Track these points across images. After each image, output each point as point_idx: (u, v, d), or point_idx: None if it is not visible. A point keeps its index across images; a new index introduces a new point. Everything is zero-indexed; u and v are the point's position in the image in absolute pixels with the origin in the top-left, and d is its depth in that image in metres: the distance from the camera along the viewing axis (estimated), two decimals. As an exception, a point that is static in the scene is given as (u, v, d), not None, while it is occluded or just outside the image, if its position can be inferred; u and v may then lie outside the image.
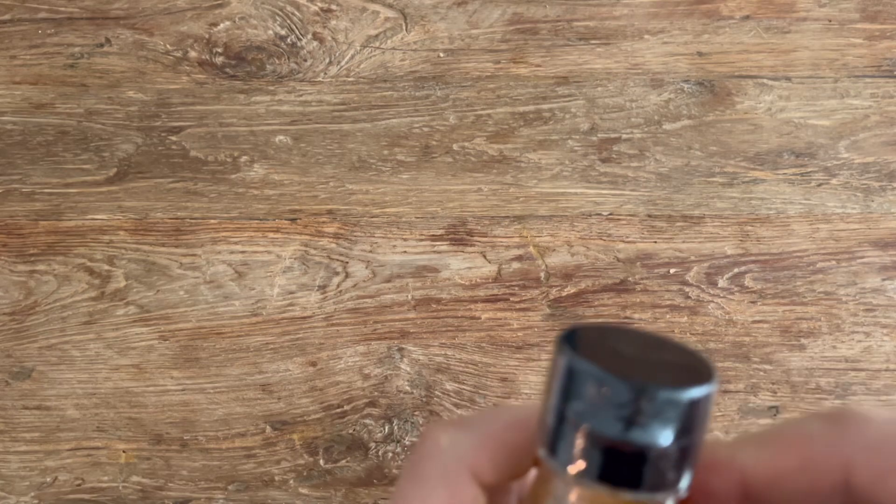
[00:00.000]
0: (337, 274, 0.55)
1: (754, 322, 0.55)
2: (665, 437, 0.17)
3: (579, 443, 0.17)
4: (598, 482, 0.17)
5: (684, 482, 0.17)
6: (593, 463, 0.17)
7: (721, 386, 0.54)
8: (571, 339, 0.18)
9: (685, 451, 0.17)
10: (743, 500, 0.18)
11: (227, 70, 0.58)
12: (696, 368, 0.18)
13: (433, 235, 0.55)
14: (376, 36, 0.58)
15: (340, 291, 0.55)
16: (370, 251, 0.55)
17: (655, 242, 0.55)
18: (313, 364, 0.55)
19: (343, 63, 0.58)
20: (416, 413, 0.55)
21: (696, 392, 0.17)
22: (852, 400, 0.54)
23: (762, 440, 0.18)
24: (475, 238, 0.55)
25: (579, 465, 0.17)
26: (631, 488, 0.17)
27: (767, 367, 0.55)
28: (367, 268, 0.55)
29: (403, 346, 0.55)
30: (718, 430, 0.55)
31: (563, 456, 0.17)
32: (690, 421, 0.17)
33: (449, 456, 0.18)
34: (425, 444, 0.19)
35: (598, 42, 0.58)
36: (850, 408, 0.18)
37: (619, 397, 0.17)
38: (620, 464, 0.17)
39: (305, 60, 0.58)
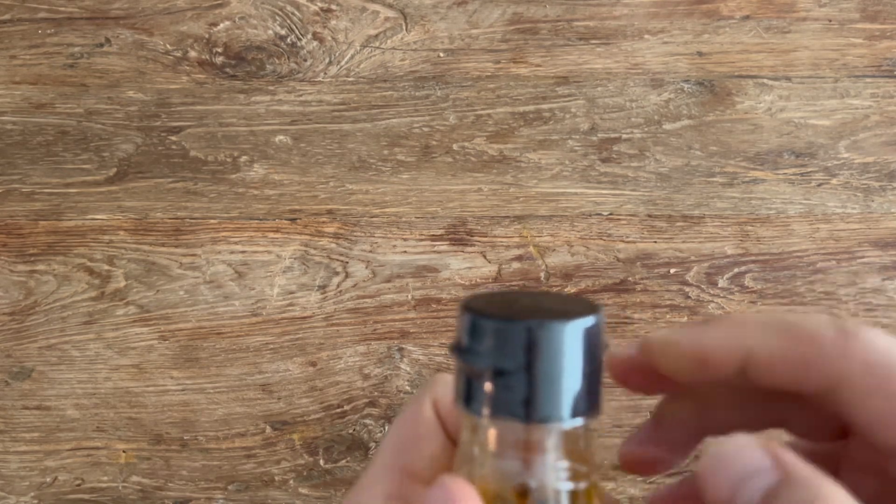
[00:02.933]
0: (337, 274, 0.55)
1: (754, 322, 0.55)
2: (531, 364, 0.18)
3: (474, 385, 0.19)
4: (495, 416, 0.19)
5: (578, 409, 0.19)
6: (487, 399, 0.19)
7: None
8: (469, 301, 0.20)
9: (553, 376, 0.18)
10: (740, 373, 0.20)
11: (227, 70, 0.58)
12: (575, 311, 0.19)
13: (433, 235, 0.55)
14: (376, 36, 0.58)
15: (340, 291, 0.55)
16: (370, 251, 0.55)
17: (655, 242, 0.55)
18: (313, 364, 0.55)
19: (343, 63, 0.58)
20: (416, 413, 0.55)
21: (549, 323, 0.18)
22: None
23: (773, 329, 0.20)
24: (475, 238, 0.55)
25: (482, 406, 0.19)
26: (521, 417, 0.18)
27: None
28: (367, 268, 0.55)
29: (403, 345, 0.55)
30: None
31: (473, 403, 0.19)
32: (551, 349, 0.18)
33: (421, 394, 0.22)
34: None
35: (598, 42, 0.58)
36: (861, 327, 0.20)
37: (491, 336, 0.18)
38: (505, 393, 0.18)
39: (305, 60, 0.58)
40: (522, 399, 0.18)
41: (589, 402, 0.19)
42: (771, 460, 0.18)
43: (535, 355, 0.18)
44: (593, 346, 0.19)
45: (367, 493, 0.21)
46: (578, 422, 0.19)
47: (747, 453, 0.19)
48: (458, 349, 0.19)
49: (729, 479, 0.18)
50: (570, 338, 0.18)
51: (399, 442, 0.21)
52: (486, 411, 0.19)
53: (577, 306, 0.20)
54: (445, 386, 0.22)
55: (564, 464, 0.19)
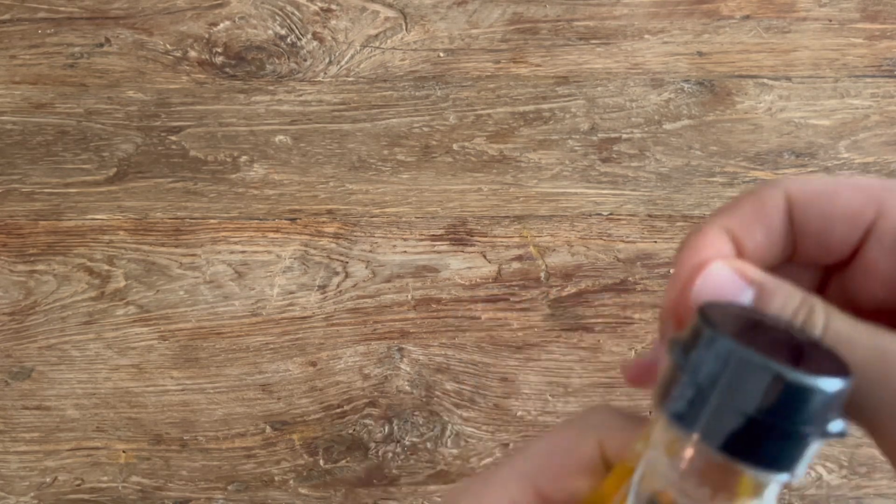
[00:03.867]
0: (337, 274, 0.55)
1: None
2: (796, 420, 0.17)
3: (712, 410, 0.17)
4: (719, 451, 0.17)
5: (800, 469, 0.17)
6: (720, 431, 0.17)
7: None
8: (712, 319, 0.18)
9: (806, 436, 0.17)
10: (786, 214, 0.21)
11: (227, 70, 0.58)
12: (830, 358, 0.18)
13: (433, 235, 0.55)
14: (376, 36, 0.58)
15: (340, 291, 0.55)
16: (370, 251, 0.55)
17: (656, 242, 0.55)
18: (313, 364, 0.55)
19: (343, 63, 0.58)
20: (415, 413, 0.55)
21: (834, 384, 0.17)
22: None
23: (731, 205, 0.21)
24: (475, 238, 0.55)
25: (705, 431, 0.17)
26: (750, 461, 0.17)
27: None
28: (366, 268, 0.55)
29: (403, 346, 0.55)
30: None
31: (689, 419, 0.18)
32: (822, 409, 0.17)
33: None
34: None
35: (598, 42, 0.58)
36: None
37: (766, 381, 0.17)
38: (748, 436, 0.17)
39: (305, 60, 0.58)
40: (750, 441, 0.17)
41: (795, 461, 0.17)
42: (744, 281, 0.20)
43: (790, 411, 0.17)
44: (830, 413, 0.17)
45: (494, 494, 0.20)
46: (783, 478, 0.17)
47: (721, 282, 0.20)
48: (723, 389, 0.17)
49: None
50: (823, 401, 0.17)
51: (544, 461, 0.21)
52: (703, 435, 0.17)
53: (826, 352, 0.19)
54: (617, 431, 0.21)
55: None
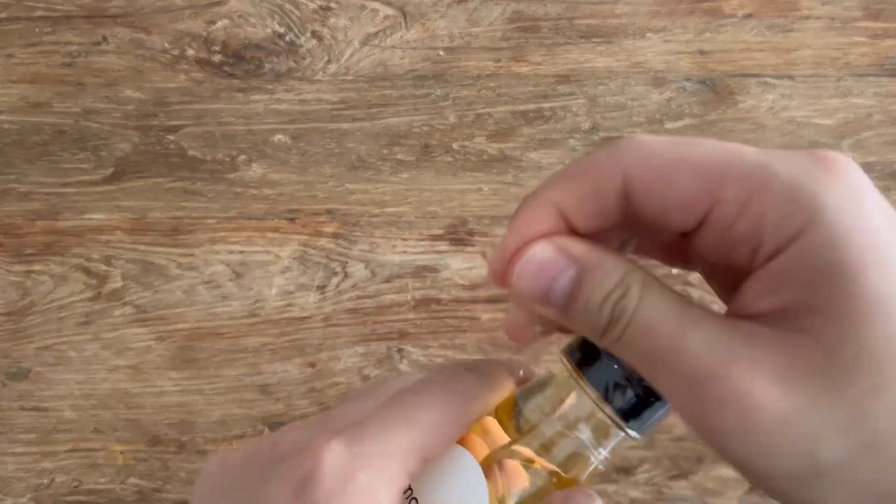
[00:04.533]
0: (336, 274, 0.55)
1: (756, 323, 0.54)
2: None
3: (603, 368, 0.22)
4: (608, 400, 0.22)
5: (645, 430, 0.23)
6: (606, 381, 0.22)
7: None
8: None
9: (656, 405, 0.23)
10: (622, 194, 0.21)
11: (226, 68, 0.57)
12: None
13: (433, 235, 0.55)
14: (375, 34, 0.58)
15: (339, 292, 0.54)
16: (369, 251, 0.55)
17: (657, 242, 0.55)
18: (312, 365, 0.54)
19: (342, 61, 0.57)
20: (415, 414, 0.55)
21: (639, 424, 0.23)
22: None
23: (565, 176, 0.21)
24: (475, 238, 0.55)
25: (596, 381, 0.23)
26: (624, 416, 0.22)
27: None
28: (366, 268, 0.55)
29: (403, 346, 0.54)
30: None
31: (591, 375, 0.22)
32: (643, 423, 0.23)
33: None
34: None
35: (599, 40, 0.58)
36: (630, 135, 0.21)
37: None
38: (626, 398, 0.22)
39: (304, 59, 0.57)
40: (635, 406, 0.22)
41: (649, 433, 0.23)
42: (565, 258, 0.21)
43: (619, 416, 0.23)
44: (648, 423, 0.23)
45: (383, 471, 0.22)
46: (641, 440, 0.23)
47: (543, 262, 0.21)
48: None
49: (539, 290, 0.21)
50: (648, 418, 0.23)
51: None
52: (599, 391, 0.22)
53: None
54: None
55: (604, 454, 0.23)
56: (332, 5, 0.58)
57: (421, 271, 0.55)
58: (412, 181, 0.56)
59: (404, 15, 0.58)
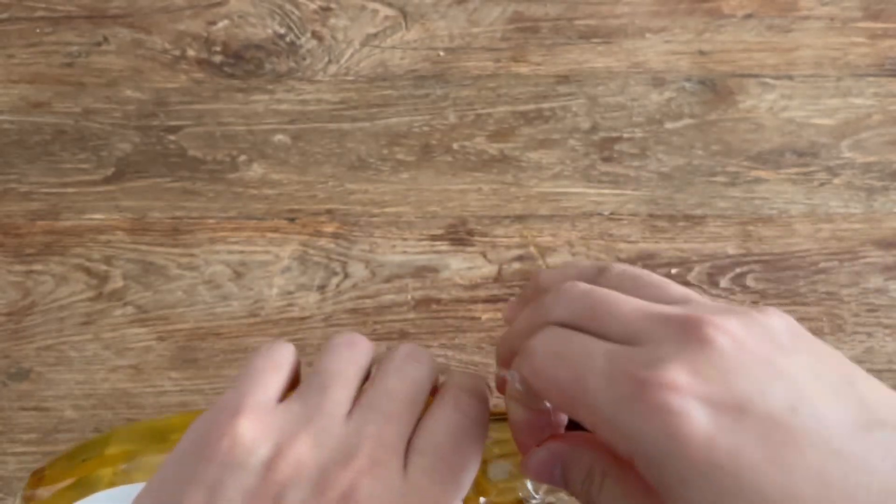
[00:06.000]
0: (336, 274, 0.55)
1: (756, 322, 0.54)
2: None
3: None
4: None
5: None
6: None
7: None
8: None
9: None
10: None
11: (226, 69, 0.57)
12: None
13: (433, 235, 0.55)
14: (376, 34, 0.58)
15: (339, 292, 0.54)
16: (369, 251, 0.55)
17: (657, 242, 0.55)
18: (312, 365, 0.54)
19: (342, 62, 0.58)
20: (415, 414, 0.55)
21: None
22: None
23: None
24: (475, 238, 0.55)
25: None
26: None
27: (769, 367, 0.54)
28: (366, 268, 0.55)
29: (403, 346, 0.54)
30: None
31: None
32: None
33: None
34: None
35: (599, 40, 0.58)
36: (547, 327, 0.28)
37: None
38: None
39: (304, 59, 0.57)
40: None
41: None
42: (554, 460, 0.27)
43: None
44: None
45: None
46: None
47: (541, 463, 0.27)
48: None
49: (545, 478, 0.27)
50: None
51: None
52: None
53: None
54: None
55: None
56: (332, 6, 0.58)
57: (421, 271, 0.55)
58: (412, 181, 0.56)
59: (404, 15, 0.58)
